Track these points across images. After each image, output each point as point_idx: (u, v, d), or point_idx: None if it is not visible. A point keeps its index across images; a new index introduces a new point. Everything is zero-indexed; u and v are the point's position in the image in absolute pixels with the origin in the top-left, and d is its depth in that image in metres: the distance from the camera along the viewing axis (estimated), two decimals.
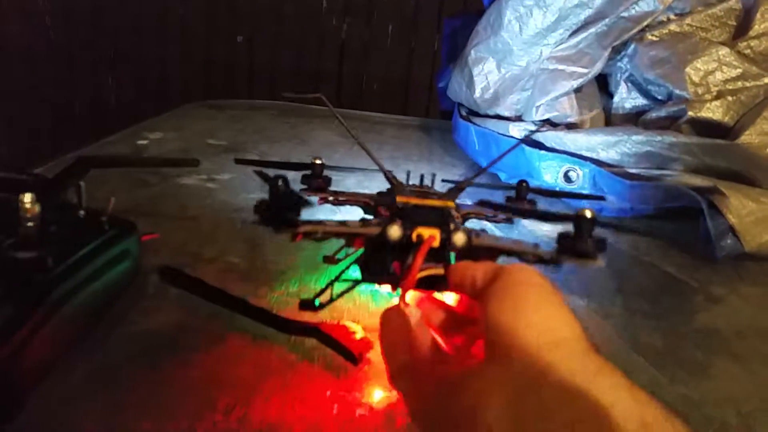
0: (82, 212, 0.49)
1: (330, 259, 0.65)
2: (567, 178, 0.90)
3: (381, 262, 0.44)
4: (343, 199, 0.64)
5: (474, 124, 1.10)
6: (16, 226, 0.39)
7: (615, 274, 0.74)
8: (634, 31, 0.88)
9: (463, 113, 1.17)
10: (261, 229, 0.43)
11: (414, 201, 0.48)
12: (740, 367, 0.56)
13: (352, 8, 1.65)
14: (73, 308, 0.43)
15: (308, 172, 0.62)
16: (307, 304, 0.47)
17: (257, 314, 0.53)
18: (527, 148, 0.94)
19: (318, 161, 0.62)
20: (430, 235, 0.40)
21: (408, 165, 1.15)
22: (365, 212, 0.65)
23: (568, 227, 0.42)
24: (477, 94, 1.08)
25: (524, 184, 0.64)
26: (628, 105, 0.92)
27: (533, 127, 0.96)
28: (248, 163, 0.62)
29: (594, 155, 0.85)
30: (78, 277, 0.43)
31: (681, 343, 0.59)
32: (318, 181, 0.63)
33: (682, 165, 0.79)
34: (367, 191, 0.64)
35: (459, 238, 0.41)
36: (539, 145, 0.94)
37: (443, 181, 0.68)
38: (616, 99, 0.93)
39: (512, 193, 0.63)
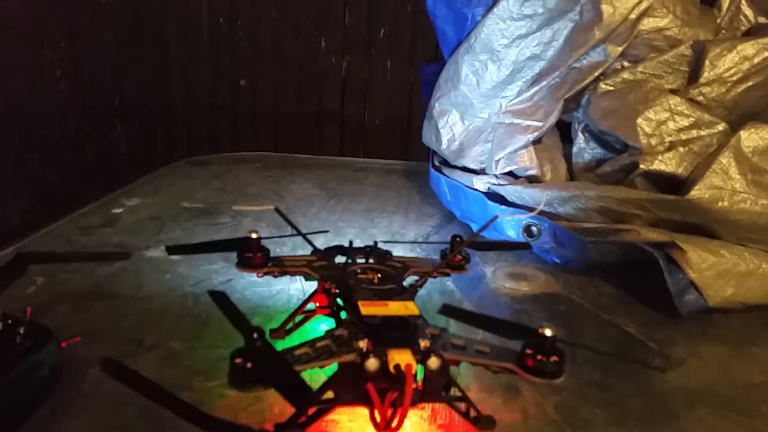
0: None
1: (278, 333, 0.66)
2: (529, 233, 0.89)
3: (355, 385, 0.45)
4: (285, 270, 0.64)
5: (444, 174, 1.10)
6: None
7: (570, 338, 0.72)
8: (586, 81, 0.88)
9: (436, 162, 1.17)
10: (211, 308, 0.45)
11: (379, 311, 0.50)
12: None
13: (350, 46, 1.68)
14: None
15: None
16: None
17: (184, 412, 0.53)
18: (490, 203, 0.94)
19: (254, 235, 0.63)
20: (407, 364, 0.43)
21: (382, 218, 1.15)
22: (307, 279, 0.66)
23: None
24: (444, 145, 1.08)
25: (458, 239, 0.65)
26: (587, 155, 0.91)
27: (495, 181, 0.95)
28: (181, 251, 0.62)
29: (551, 210, 0.84)
30: None
31: (623, 420, 0.57)
32: (255, 256, 0.63)
33: (638, 219, 0.77)
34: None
35: (433, 363, 0.45)
36: (501, 200, 0.93)
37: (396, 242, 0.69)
38: (574, 149, 0.92)
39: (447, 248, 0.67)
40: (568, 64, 0.88)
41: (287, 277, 0.68)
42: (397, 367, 0.43)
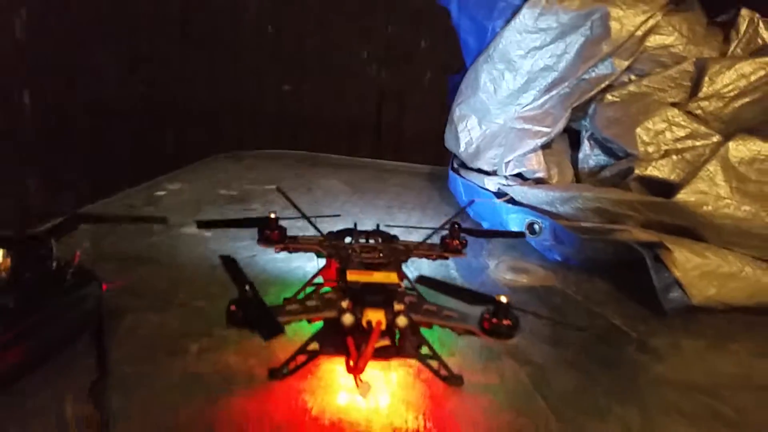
0: (54, 263, 0.59)
1: (276, 373, 0.67)
2: (531, 230, 0.96)
3: (337, 338, 0.55)
4: (298, 246, 0.74)
5: (460, 176, 1.17)
6: None
7: (558, 323, 0.78)
8: (594, 92, 0.94)
9: (456, 165, 1.25)
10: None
11: (363, 278, 0.59)
12: (640, 418, 0.58)
13: (391, 57, 1.75)
14: (36, 336, 0.53)
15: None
16: (276, 373, 0.58)
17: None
18: (498, 201, 1.00)
19: (273, 215, 0.73)
20: (378, 320, 0.53)
21: (401, 214, 1.23)
22: (318, 256, 0.75)
23: None
24: (462, 148, 1.15)
25: (456, 226, 0.73)
26: (591, 162, 0.97)
27: (505, 182, 1.02)
28: (209, 225, 0.71)
29: (553, 209, 0.90)
30: (41, 314, 0.53)
31: (591, 390, 0.62)
32: (273, 233, 0.73)
33: (631, 220, 0.83)
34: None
35: (401, 321, 0.54)
36: (509, 199, 1.00)
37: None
38: (580, 155, 0.98)
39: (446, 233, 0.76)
40: (578, 75, 0.94)
41: (305, 255, 0.77)
42: (369, 322, 0.53)
